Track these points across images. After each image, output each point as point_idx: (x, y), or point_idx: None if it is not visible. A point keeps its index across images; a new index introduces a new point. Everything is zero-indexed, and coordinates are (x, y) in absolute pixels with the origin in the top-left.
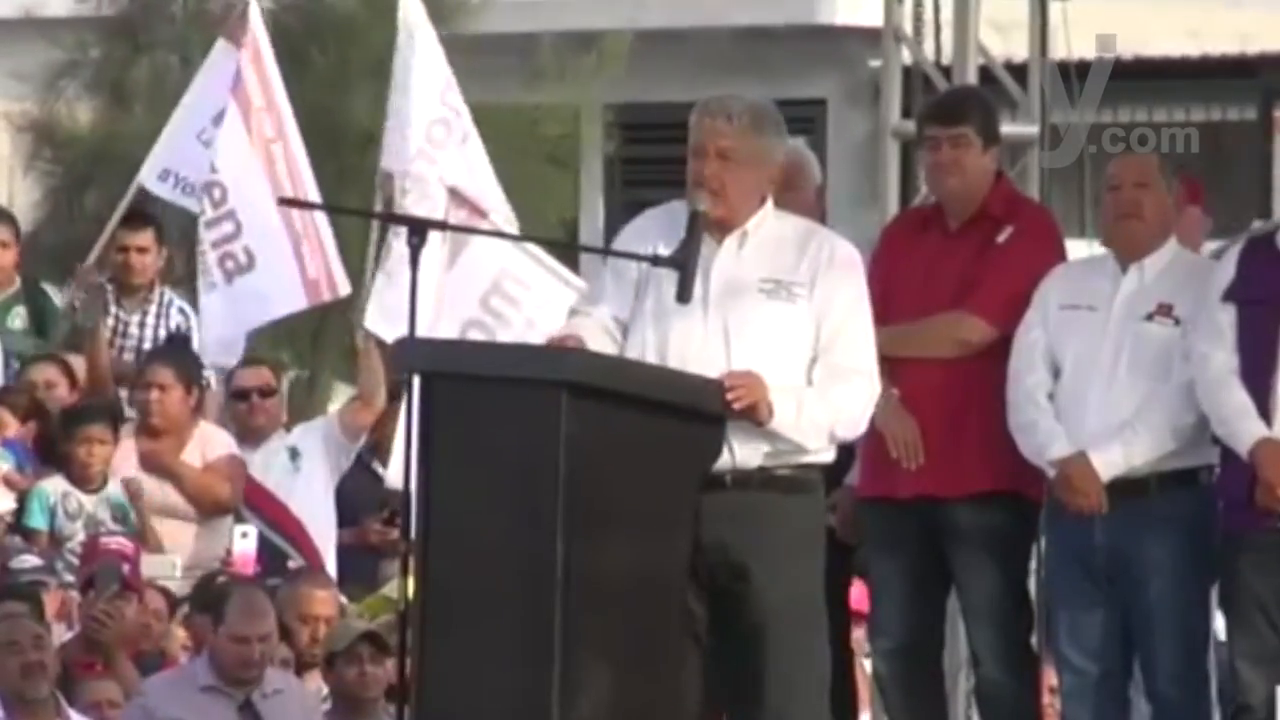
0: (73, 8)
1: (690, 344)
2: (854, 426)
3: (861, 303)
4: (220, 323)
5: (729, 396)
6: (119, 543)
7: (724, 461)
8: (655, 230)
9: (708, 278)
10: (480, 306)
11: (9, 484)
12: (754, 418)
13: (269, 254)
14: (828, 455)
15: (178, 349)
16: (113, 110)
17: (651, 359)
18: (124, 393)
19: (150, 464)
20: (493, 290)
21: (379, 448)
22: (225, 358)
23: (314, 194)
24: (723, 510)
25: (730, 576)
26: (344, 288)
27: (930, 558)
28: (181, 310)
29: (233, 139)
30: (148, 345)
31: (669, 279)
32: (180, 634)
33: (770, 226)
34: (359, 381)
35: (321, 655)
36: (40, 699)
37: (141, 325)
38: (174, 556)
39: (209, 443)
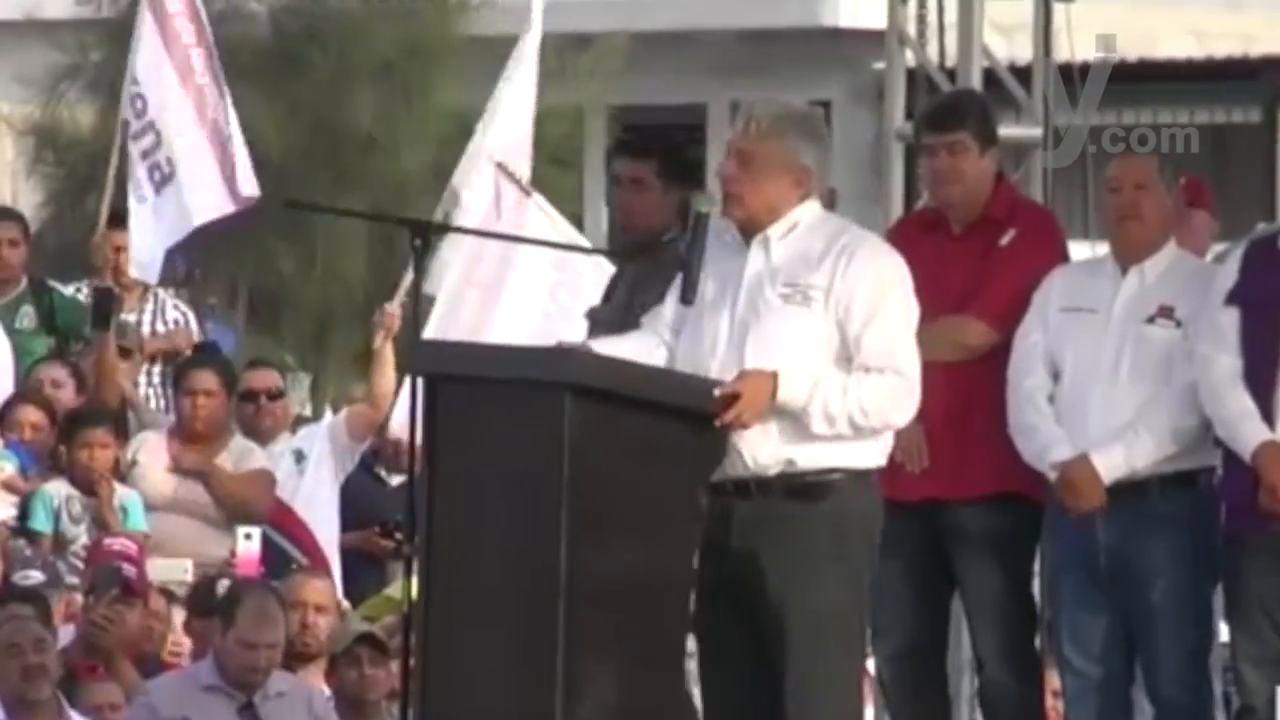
0: (73, 10)
1: (716, 347)
2: (880, 417)
3: (887, 300)
4: (149, 235)
5: (727, 419)
6: (122, 544)
7: (745, 468)
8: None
9: (739, 281)
10: (550, 298)
11: (10, 488)
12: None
13: (189, 163)
14: (860, 459)
15: (214, 354)
16: (114, 113)
17: (683, 361)
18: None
19: (186, 464)
20: (560, 283)
21: (381, 452)
22: (145, 275)
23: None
24: (747, 517)
25: (755, 584)
26: (252, 189)
27: (933, 560)
28: (177, 307)
29: (150, 47)
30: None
31: (708, 284)
32: (185, 641)
33: (803, 229)
34: (370, 381)
35: (320, 654)
36: (41, 701)
37: (138, 324)
38: (186, 560)
39: (242, 455)
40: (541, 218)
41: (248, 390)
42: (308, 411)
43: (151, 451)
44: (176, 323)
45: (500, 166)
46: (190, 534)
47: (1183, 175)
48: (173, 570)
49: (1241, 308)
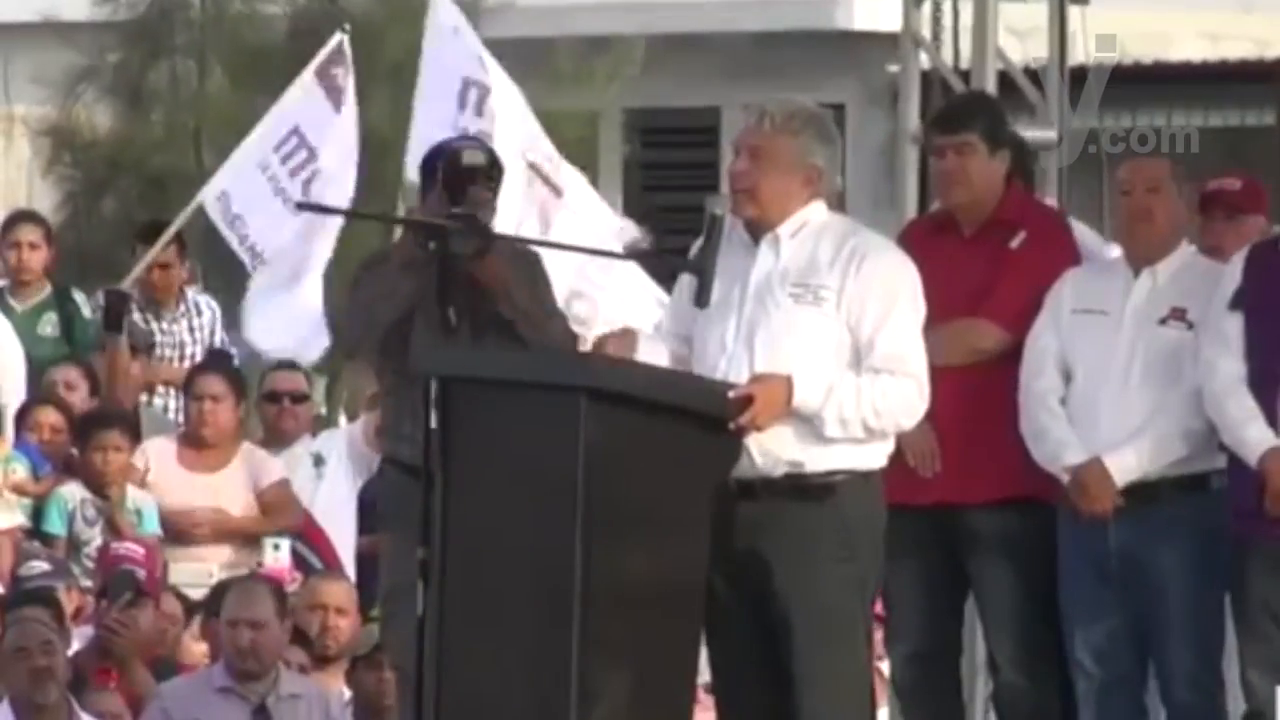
0: (92, 12)
1: (725, 345)
2: (892, 419)
3: (898, 302)
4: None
5: (742, 422)
6: (128, 549)
7: (752, 469)
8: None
9: (746, 281)
10: (578, 276)
11: (21, 491)
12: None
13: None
14: (865, 460)
15: (225, 361)
16: (131, 115)
17: (695, 363)
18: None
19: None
20: (587, 260)
21: None
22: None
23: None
24: (752, 518)
25: (760, 585)
26: None
27: (947, 563)
28: (210, 306)
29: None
30: (199, 349)
31: (719, 284)
32: (199, 647)
33: (812, 229)
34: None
35: (340, 657)
36: (49, 704)
37: (190, 330)
38: (211, 565)
39: (260, 468)
40: (570, 220)
41: (272, 391)
42: (322, 411)
43: (162, 457)
44: (210, 321)
45: (533, 166)
46: (212, 540)
47: (1241, 178)
48: (198, 575)
49: (1245, 312)
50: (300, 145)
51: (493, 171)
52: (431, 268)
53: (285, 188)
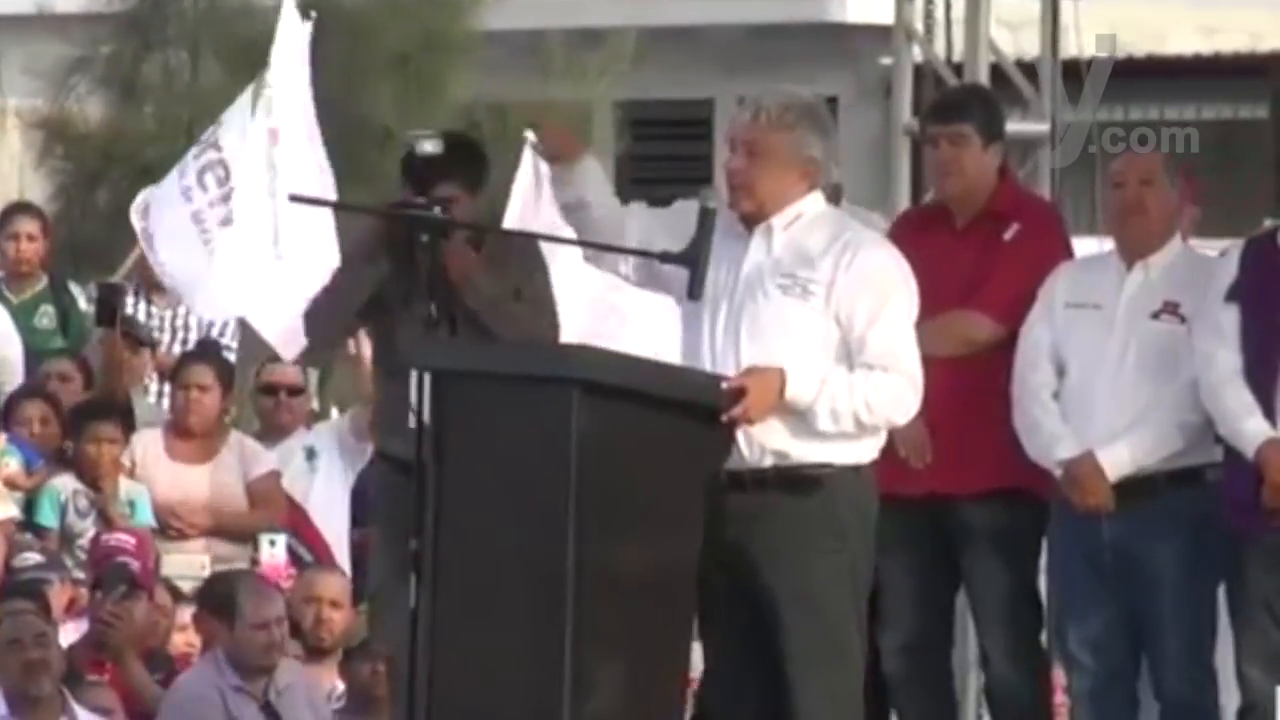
0: (85, 4)
1: (713, 338)
2: (884, 415)
3: (890, 298)
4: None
5: (734, 414)
6: (118, 539)
7: (740, 460)
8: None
9: (737, 271)
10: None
11: (13, 484)
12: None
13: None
14: (855, 454)
15: (214, 351)
16: (124, 107)
17: (684, 350)
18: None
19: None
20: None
21: None
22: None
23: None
24: (742, 510)
25: (750, 576)
26: None
27: (939, 555)
28: None
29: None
30: (193, 336)
31: (711, 272)
32: (182, 637)
33: (806, 221)
34: (360, 387)
35: (334, 649)
36: (44, 696)
37: (188, 315)
38: (204, 556)
39: (250, 459)
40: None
41: (268, 384)
42: (314, 406)
43: (150, 448)
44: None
45: (534, 146)
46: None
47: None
48: (189, 567)
49: (1241, 305)
50: (215, 131)
51: (460, 164)
52: (398, 255)
53: (187, 168)
